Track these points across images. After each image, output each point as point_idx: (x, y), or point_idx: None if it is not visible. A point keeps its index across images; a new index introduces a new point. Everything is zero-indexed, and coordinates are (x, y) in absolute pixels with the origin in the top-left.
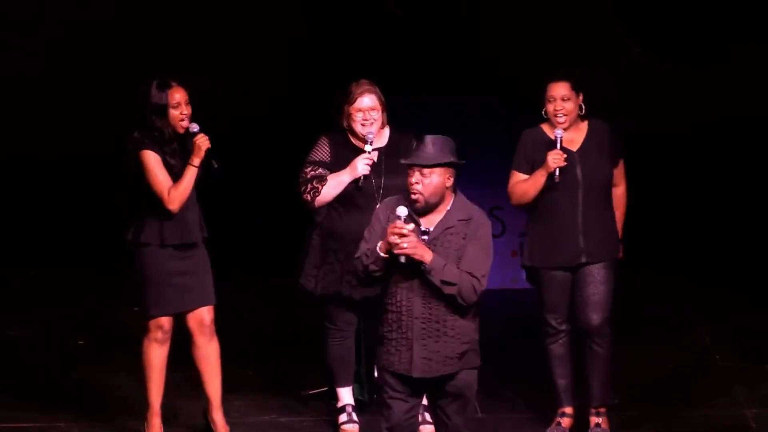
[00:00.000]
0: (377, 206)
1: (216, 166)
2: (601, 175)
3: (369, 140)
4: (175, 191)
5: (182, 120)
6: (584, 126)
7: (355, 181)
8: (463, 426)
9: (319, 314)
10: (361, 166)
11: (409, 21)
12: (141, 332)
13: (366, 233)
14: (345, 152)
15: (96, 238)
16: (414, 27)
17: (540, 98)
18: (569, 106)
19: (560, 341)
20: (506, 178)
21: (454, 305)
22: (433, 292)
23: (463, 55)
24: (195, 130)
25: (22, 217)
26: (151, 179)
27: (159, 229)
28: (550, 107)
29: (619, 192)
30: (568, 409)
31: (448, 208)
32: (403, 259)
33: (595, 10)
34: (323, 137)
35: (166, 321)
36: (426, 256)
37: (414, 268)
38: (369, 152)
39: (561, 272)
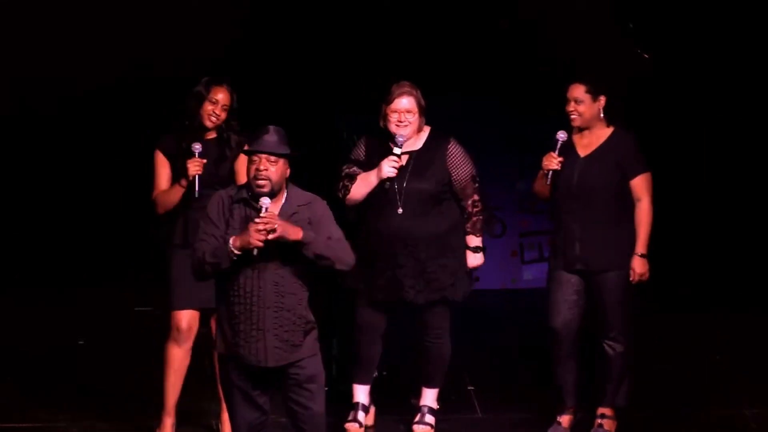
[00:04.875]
0: (211, 200)
1: (197, 195)
2: (601, 185)
3: (399, 143)
4: (160, 198)
5: (211, 116)
6: (605, 133)
7: (382, 182)
8: (321, 411)
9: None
10: (386, 168)
11: (409, 20)
12: (145, 331)
13: (205, 227)
14: (379, 153)
15: (96, 238)
16: (414, 26)
17: (544, 98)
18: (581, 108)
19: (568, 342)
20: (506, 178)
21: (303, 291)
22: (284, 280)
23: (463, 55)
24: (196, 150)
25: (22, 217)
26: (154, 177)
27: (168, 228)
28: (567, 107)
29: (641, 207)
30: (569, 409)
31: (285, 196)
32: (256, 252)
33: (596, 9)
34: (362, 137)
35: (182, 320)
36: (297, 233)
37: (264, 257)
38: (398, 155)
39: (565, 274)
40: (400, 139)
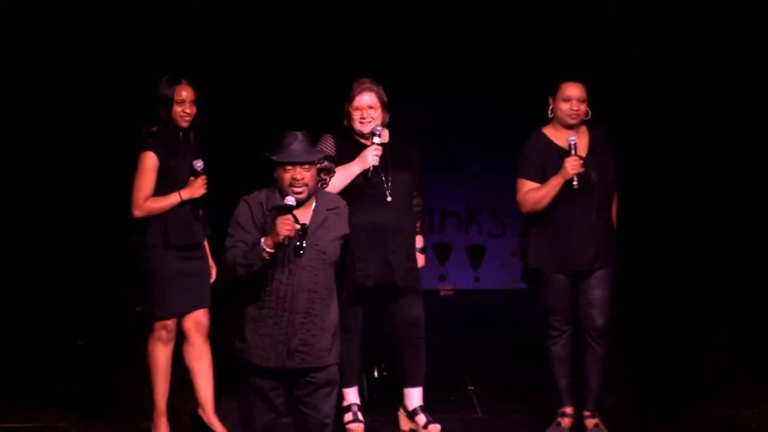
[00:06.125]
0: (240, 206)
1: (201, 213)
2: (611, 179)
3: (377, 132)
4: (151, 204)
5: (184, 117)
6: (584, 130)
7: (364, 172)
8: (331, 414)
9: None
10: (371, 156)
11: (410, 20)
12: (145, 332)
13: (235, 234)
14: (349, 148)
15: (96, 238)
16: (414, 26)
17: (546, 98)
18: (583, 107)
19: (562, 342)
20: (506, 178)
21: (331, 297)
22: (317, 286)
23: (463, 55)
24: (199, 167)
25: (22, 217)
26: (136, 179)
27: (163, 230)
28: (565, 107)
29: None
30: (569, 409)
31: (315, 201)
32: (286, 242)
33: (596, 9)
34: (327, 133)
35: (170, 321)
36: None
37: (300, 262)
38: (378, 144)
39: (557, 276)
40: (378, 129)
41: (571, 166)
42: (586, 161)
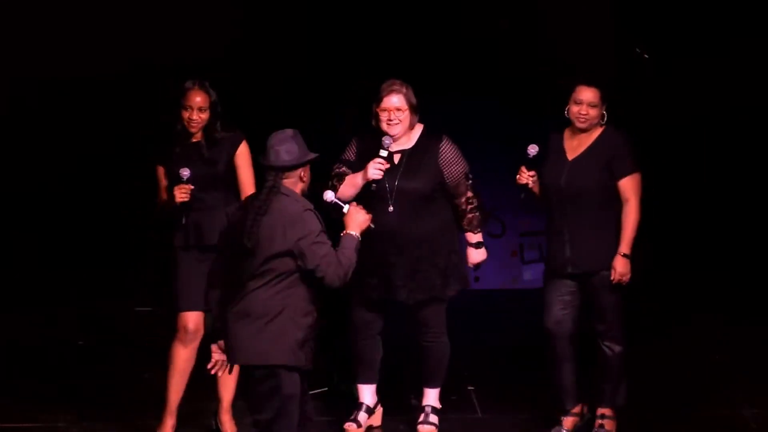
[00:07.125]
0: (306, 213)
1: (184, 222)
2: (589, 186)
3: (385, 145)
4: (159, 206)
5: (191, 122)
6: (595, 134)
7: (368, 184)
8: None
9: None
10: (371, 170)
11: (409, 20)
12: (145, 332)
13: (327, 241)
14: (370, 154)
15: (96, 238)
16: (414, 26)
17: (563, 98)
18: (594, 112)
19: (563, 342)
20: (506, 178)
21: None
22: None
23: (463, 55)
24: (185, 176)
25: (22, 217)
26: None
27: (170, 231)
28: (575, 109)
29: (627, 207)
30: (570, 410)
31: None
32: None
33: (596, 9)
34: (355, 137)
35: (189, 321)
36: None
37: None
38: (384, 157)
39: (557, 276)
40: (387, 141)
41: (517, 178)
42: (565, 165)
